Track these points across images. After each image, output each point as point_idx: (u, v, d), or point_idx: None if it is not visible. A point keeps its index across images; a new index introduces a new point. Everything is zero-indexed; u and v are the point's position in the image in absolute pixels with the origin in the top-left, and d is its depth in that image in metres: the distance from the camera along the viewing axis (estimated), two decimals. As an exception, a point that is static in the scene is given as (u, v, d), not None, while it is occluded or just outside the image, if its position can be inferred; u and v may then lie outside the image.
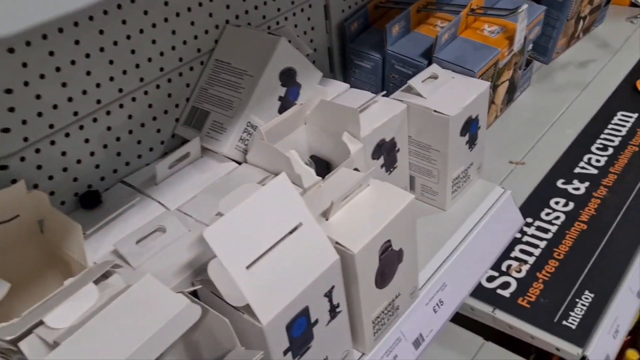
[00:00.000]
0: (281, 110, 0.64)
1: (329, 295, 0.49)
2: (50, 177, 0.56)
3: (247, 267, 0.44)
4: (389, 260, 0.53)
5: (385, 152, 0.67)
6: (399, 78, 0.79)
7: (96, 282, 0.45)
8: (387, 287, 0.55)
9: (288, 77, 0.64)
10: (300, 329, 0.47)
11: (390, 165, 0.68)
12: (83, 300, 0.43)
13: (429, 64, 0.75)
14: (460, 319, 0.97)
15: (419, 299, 0.61)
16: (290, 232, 0.47)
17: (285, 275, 0.45)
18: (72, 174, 0.58)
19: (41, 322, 0.42)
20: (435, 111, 0.65)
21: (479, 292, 0.92)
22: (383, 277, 0.53)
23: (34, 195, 0.51)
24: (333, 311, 0.50)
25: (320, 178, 0.57)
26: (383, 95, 0.69)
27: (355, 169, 0.61)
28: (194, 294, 0.49)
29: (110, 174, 0.61)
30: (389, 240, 0.52)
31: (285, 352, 0.46)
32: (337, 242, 0.50)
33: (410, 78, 0.68)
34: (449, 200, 0.72)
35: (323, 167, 0.66)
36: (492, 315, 0.89)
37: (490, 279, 0.94)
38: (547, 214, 1.03)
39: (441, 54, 0.75)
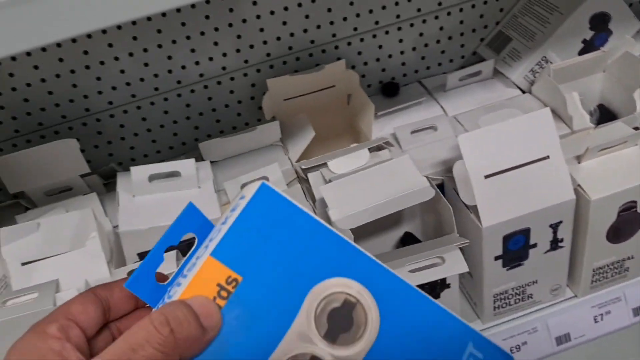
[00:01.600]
0: (582, 52, 0.66)
1: (554, 227, 0.54)
2: (365, 63, 0.70)
3: (486, 177, 0.51)
4: (629, 220, 0.55)
5: (682, 121, 0.63)
6: None
7: (371, 150, 0.58)
8: (620, 244, 0.56)
9: (599, 22, 0.65)
10: (516, 245, 0.54)
11: (684, 136, 0.65)
12: (357, 159, 0.56)
13: None
14: None
15: (657, 272, 0.60)
16: (536, 161, 0.52)
17: (517, 195, 0.52)
18: (382, 65, 0.70)
19: (326, 165, 0.57)
20: None
21: None
22: (617, 234, 0.55)
23: (349, 73, 0.66)
24: (555, 243, 0.55)
25: (592, 125, 0.59)
26: None
27: (636, 128, 0.61)
28: (441, 186, 0.59)
29: (411, 73, 0.72)
30: (634, 202, 0.53)
31: (496, 258, 0.54)
32: (578, 185, 0.53)
33: None
34: None
35: (609, 119, 0.66)
36: None
37: None
38: None
39: None
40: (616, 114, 0.66)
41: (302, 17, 0.65)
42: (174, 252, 0.51)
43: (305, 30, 0.66)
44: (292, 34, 0.66)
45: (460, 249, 0.54)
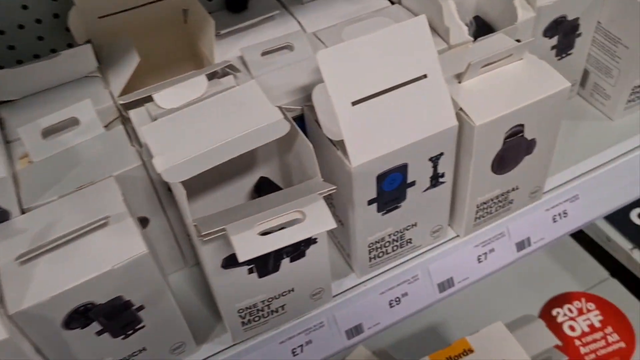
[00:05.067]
0: (456, -46, 0.57)
1: (434, 161, 0.45)
2: (203, -31, 0.56)
3: (354, 103, 0.41)
4: (515, 147, 0.47)
5: (562, 32, 0.57)
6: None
7: (211, 76, 0.45)
8: (505, 175, 0.49)
9: None
10: (392, 185, 0.45)
11: (563, 49, 0.59)
12: (192, 89, 0.43)
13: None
14: (590, 245, 0.89)
15: (540, 201, 0.55)
16: (412, 81, 0.43)
17: (392, 124, 0.42)
18: (225, -29, 0.57)
19: (151, 98, 0.43)
20: (640, -3, 0.54)
21: (623, 225, 0.82)
22: (502, 163, 0.48)
23: (181, -20, 0.52)
24: (435, 179, 0.47)
25: (470, 38, 0.51)
26: (584, -34, 0.58)
27: (517, 40, 0.53)
28: (301, 117, 0.48)
29: (262, -19, 0.59)
30: (521, 125, 0.46)
31: (370, 202, 0.45)
32: (460, 109, 0.45)
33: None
34: (620, 110, 0.62)
35: (485, 31, 0.58)
36: (629, 253, 0.80)
37: (642, 214, 0.83)
38: None
39: None
40: (494, 26, 0.58)
41: None
42: None
43: None
44: None
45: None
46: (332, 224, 0.36)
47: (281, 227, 0.36)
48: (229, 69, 0.46)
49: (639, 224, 0.82)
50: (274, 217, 0.35)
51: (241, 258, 0.33)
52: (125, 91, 0.48)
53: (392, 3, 0.57)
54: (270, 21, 0.55)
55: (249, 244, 0.34)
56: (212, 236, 0.35)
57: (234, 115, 0.39)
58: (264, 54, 0.50)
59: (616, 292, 0.86)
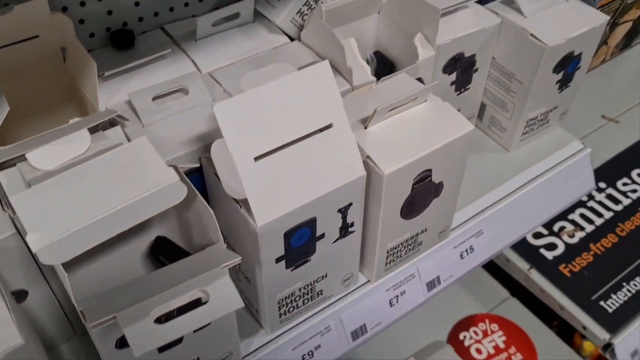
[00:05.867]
0: (354, -10, 0.55)
1: (343, 212, 0.43)
2: (82, 4, 0.50)
3: (256, 159, 0.38)
4: (423, 192, 0.46)
5: (460, 68, 0.57)
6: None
7: (94, 129, 0.41)
8: (414, 219, 0.48)
9: (371, -47, 0.54)
10: (300, 240, 0.42)
11: (462, 85, 0.59)
12: (72, 146, 0.38)
13: (545, -23, 0.63)
14: (491, 266, 0.91)
15: (448, 239, 0.55)
16: (317, 132, 0.40)
17: (298, 178, 0.39)
18: (107, 6, 0.52)
19: (24, 157, 0.38)
20: (532, 35, 0.55)
21: (520, 247, 0.85)
22: (411, 208, 0.47)
23: (57, 17, 0.46)
24: (345, 229, 0.45)
25: (374, 78, 0.49)
26: (477, 2, 0.58)
27: (419, 79, 0.52)
28: (199, 170, 0.44)
29: (150, 16, 0.54)
30: (429, 170, 0.45)
31: (277, 260, 0.42)
32: (368, 156, 0.43)
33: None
34: (516, 142, 0.63)
35: (386, 67, 0.58)
36: (527, 273, 0.83)
37: (537, 235, 0.87)
38: (625, 184, 0.92)
39: (562, -31, 0.63)
40: (394, 61, 0.57)
41: None
42: None
43: (-23, -47, 0.44)
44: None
45: (232, 247, 0.41)
46: (239, 304, 0.33)
47: (182, 308, 0.32)
48: (117, 118, 0.42)
49: (535, 245, 0.85)
50: (173, 299, 0.31)
51: (136, 353, 0.29)
52: (-5, 144, 0.42)
53: (292, 39, 0.55)
54: (161, 60, 0.51)
55: (145, 335, 0.30)
56: (102, 325, 0.31)
57: (121, 179, 0.35)
58: (155, 98, 0.46)
59: (517, 311, 0.89)
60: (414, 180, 0.45)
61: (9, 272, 0.39)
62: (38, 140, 0.39)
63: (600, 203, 0.90)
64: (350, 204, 0.43)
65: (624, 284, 0.82)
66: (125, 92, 0.48)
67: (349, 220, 0.44)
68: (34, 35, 0.47)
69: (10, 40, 0.46)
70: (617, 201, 0.90)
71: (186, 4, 0.56)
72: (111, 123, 0.43)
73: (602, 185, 0.92)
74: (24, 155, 0.38)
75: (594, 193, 0.91)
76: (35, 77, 0.49)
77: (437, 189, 0.48)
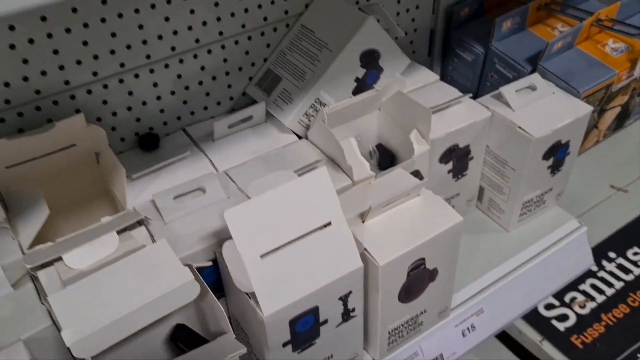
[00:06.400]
0: (356, 92, 0.62)
1: (344, 299, 0.47)
2: (114, 114, 0.57)
3: (262, 256, 0.43)
4: (418, 278, 0.51)
5: (456, 158, 0.62)
6: (497, 79, 0.73)
7: (122, 230, 0.46)
8: (412, 302, 0.52)
9: (370, 59, 0.61)
10: (305, 326, 0.46)
11: (459, 171, 0.64)
12: (102, 247, 0.44)
13: (533, 71, 0.68)
14: (505, 337, 0.93)
15: (449, 319, 0.58)
16: (317, 229, 0.45)
17: (300, 272, 0.44)
18: (135, 114, 0.59)
19: (61, 259, 0.44)
20: (519, 127, 0.60)
21: (532, 318, 0.87)
22: (408, 293, 0.51)
23: (92, 128, 0.53)
24: (347, 315, 0.49)
25: (372, 174, 0.54)
26: (471, 97, 0.64)
27: (416, 171, 0.57)
28: (215, 261, 0.49)
29: (173, 120, 0.61)
30: (422, 259, 0.49)
31: (284, 345, 0.46)
32: (365, 249, 0.47)
33: (510, 82, 0.63)
34: (514, 222, 0.67)
35: (388, 158, 0.63)
36: (539, 345, 0.84)
37: (549, 307, 0.88)
38: (635, 254, 0.94)
39: (548, 64, 0.68)
40: (395, 152, 0.62)
41: (18, 61, 0.50)
42: None
43: (25, 79, 0.51)
44: (7, 84, 0.51)
45: (245, 331, 0.45)
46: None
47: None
48: (145, 219, 0.47)
49: (546, 316, 0.87)
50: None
51: None
52: (36, 242, 0.48)
53: (300, 137, 0.60)
54: (182, 161, 0.57)
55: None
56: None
57: (144, 278, 0.40)
58: (177, 197, 0.52)
59: (532, 382, 0.90)
60: (408, 269, 0.49)
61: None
62: (73, 240, 0.45)
63: (611, 273, 0.92)
64: (350, 292, 0.47)
65: (638, 355, 0.82)
66: (150, 191, 0.53)
67: (350, 306, 0.48)
68: (71, 144, 0.54)
69: (51, 150, 0.53)
70: (627, 271, 0.92)
71: (205, 108, 0.63)
72: (138, 222, 0.49)
73: (612, 255, 0.94)
74: (60, 257, 0.44)
75: (604, 263, 0.93)
76: (72, 178, 0.56)
77: (432, 274, 0.52)
